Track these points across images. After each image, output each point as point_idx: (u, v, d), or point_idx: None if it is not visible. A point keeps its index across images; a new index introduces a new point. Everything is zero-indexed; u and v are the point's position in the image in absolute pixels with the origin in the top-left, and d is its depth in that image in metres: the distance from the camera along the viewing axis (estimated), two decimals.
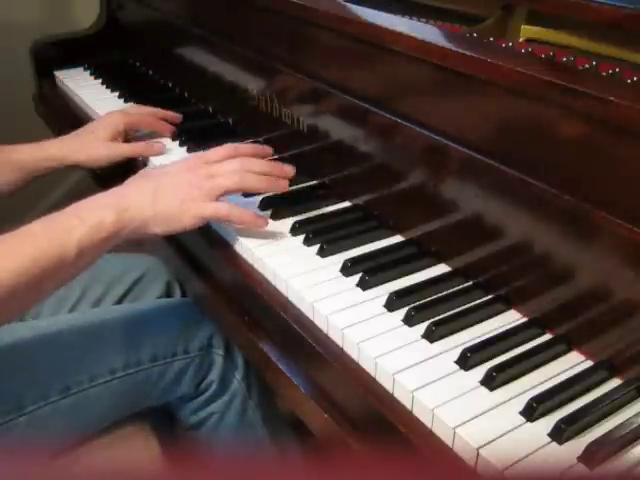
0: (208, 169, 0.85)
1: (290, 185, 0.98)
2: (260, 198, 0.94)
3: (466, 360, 0.66)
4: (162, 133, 1.16)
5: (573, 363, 0.68)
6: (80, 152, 1.08)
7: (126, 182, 0.85)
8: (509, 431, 0.60)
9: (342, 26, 0.89)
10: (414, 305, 0.73)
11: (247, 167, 0.86)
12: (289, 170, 0.90)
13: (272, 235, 0.87)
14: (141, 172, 0.89)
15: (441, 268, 0.82)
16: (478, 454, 0.58)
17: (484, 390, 0.64)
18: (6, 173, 1.05)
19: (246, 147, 0.92)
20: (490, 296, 0.76)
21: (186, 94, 1.33)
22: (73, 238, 0.74)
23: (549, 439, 0.59)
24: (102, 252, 0.78)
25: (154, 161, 1.08)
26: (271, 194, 0.95)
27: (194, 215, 0.82)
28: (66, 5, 1.91)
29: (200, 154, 0.90)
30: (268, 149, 0.94)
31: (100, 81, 1.43)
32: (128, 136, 1.14)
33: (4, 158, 1.05)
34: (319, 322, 0.74)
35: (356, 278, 0.79)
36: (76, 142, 1.10)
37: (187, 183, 0.83)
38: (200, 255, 0.93)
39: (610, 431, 0.59)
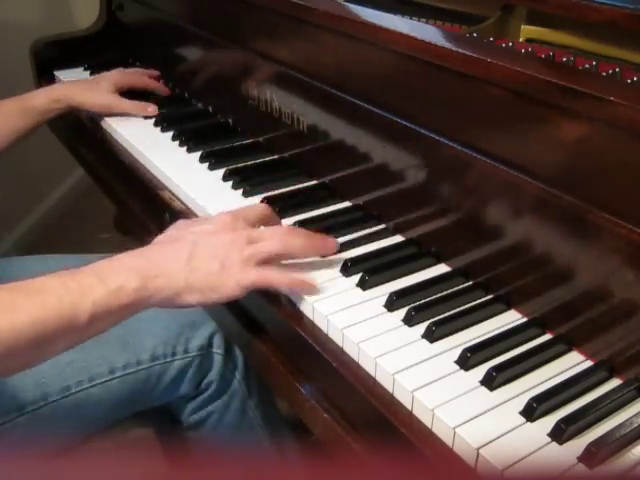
0: (250, 232, 0.77)
1: (290, 185, 0.99)
2: (261, 198, 0.94)
3: (466, 360, 0.66)
4: (159, 91, 1.32)
5: (573, 363, 0.68)
6: (85, 94, 1.23)
7: (157, 241, 0.77)
8: (509, 431, 0.60)
9: (342, 26, 0.89)
10: (414, 305, 0.73)
11: (292, 234, 0.79)
12: (333, 245, 0.82)
13: None
14: (173, 228, 0.80)
15: (441, 268, 0.82)
16: (478, 454, 0.58)
17: (484, 390, 0.64)
18: (24, 119, 1.18)
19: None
20: (490, 296, 0.76)
21: (186, 94, 1.33)
22: (87, 300, 0.66)
23: (549, 439, 0.59)
24: (120, 320, 0.70)
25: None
26: (272, 194, 0.96)
27: (235, 284, 0.73)
28: (66, 5, 1.91)
29: (237, 211, 0.81)
30: None
31: None
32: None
33: (21, 106, 1.18)
34: (319, 322, 0.74)
35: (356, 278, 0.78)
36: (84, 87, 1.25)
37: (227, 245, 0.74)
38: None
39: (610, 431, 0.59)
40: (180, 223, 0.81)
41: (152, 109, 1.24)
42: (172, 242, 0.76)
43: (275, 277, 0.75)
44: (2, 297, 0.64)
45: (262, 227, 0.79)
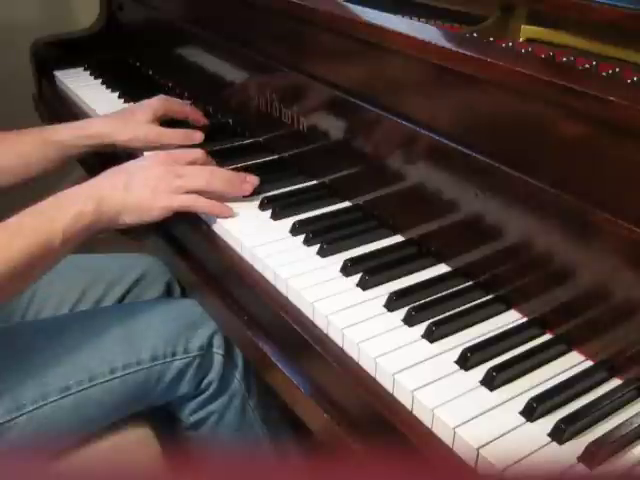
0: (178, 168, 0.91)
1: (290, 185, 0.99)
2: (261, 198, 0.94)
3: (466, 360, 0.66)
4: (197, 123, 1.17)
5: (573, 363, 0.68)
6: (123, 131, 1.08)
7: (100, 175, 0.90)
8: (509, 431, 0.60)
9: (342, 26, 0.89)
10: (414, 305, 0.73)
11: (215, 175, 0.92)
12: (249, 187, 0.94)
13: (272, 235, 0.87)
14: (115, 167, 0.93)
15: (441, 268, 0.82)
16: (478, 454, 0.58)
17: (484, 390, 0.64)
18: (44, 152, 1.08)
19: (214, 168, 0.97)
20: (490, 296, 0.76)
21: (186, 94, 1.33)
22: (57, 228, 0.80)
23: (549, 439, 0.60)
24: (83, 240, 0.84)
25: None
26: (271, 194, 0.96)
27: (163, 206, 0.88)
28: (66, 5, 1.91)
29: (171, 152, 0.97)
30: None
31: (100, 81, 1.43)
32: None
33: (42, 138, 1.08)
34: (319, 322, 0.74)
35: (356, 278, 0.78)
36: (119, 121, 1.11)
37: (157, 177, 0.89)
38: (201, 256, 0.93)
39: (610, 431, 0.59)
40: (123, 164, 0.94)
41: (198, 135, 1.10)
42: (113, 174, 0.90)
43: (197, 202, 0.90)
44: None
45: (191, 166, 0.93)
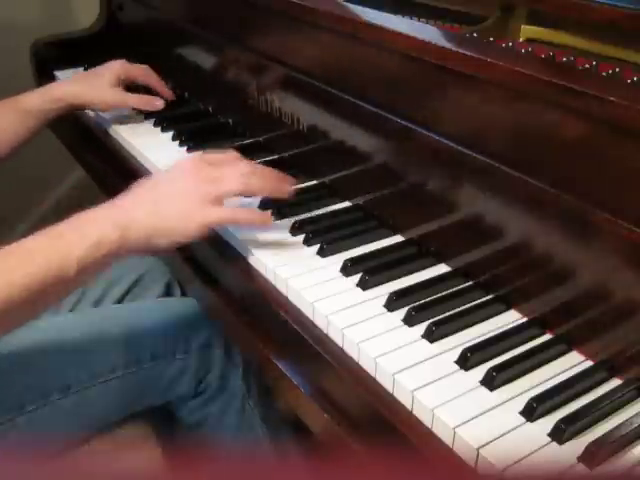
0: (211, 172, 0.81)
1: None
2: (260, 198, 0.94)
3: (466, 360, 0.66)
4: (156, 89, 1.23)
5: (573, 363, 0.68)
6: (88, 93, 1.15)
7: (127, 192, 0.81)
8: (509, 431, 0.60)
9: (342, 26, 0.89)
10: (414, 305, 0.73)
11: (252, 171, 0.83)
12: (287, 189, 0.87)
13: (272, 235, 0.87)
14: (146, 179, 0.84)
15: (441, 268, 0.82)
16: (478, 454, 0.58)
17: (484, 390, 0.64)
18: (19, 122, 1.11)
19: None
20: (490, 296, 0.76)
21: (186, 94, 1.32)
22: (73, 256, 0.71)
23: (549, 439, 0.60)
24: (104, 268, 0.76)
25: (152, 159, 1.08)
26: None
27: (199, 224, 0.78)
28: (66, 5, 1.91)
29: (202, 154, 0.86)
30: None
31: None
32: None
33: (14, 108, 1.11)
34: (319, 322, 0.74)
35: (356, 278, 0.78)
36: (84, 83, 1.17)
37: (189, 190, 0.79)
38: (200, 255, 0.93)
39: (610, 431, 0.59)
40: (150, 178, 0.85)
41: (160, 103, 1.19)
42: (139, 194, 0.81)
43: (236, 215, 0.82)
44: None
45: (224, 166, 0.83)
